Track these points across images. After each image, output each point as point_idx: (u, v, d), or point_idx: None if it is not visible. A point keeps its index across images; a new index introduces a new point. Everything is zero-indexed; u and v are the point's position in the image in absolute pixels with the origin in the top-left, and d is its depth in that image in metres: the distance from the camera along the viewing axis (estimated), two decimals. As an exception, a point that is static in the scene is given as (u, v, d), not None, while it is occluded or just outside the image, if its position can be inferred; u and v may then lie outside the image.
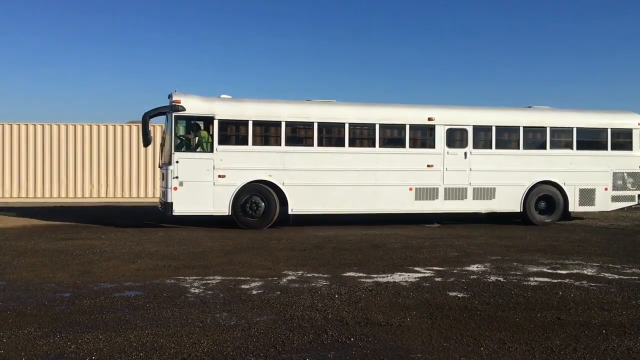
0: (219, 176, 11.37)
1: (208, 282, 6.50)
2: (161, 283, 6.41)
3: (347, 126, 12.07)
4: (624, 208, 14.20)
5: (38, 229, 11.47)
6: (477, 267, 7.62)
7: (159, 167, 12.34)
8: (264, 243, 9.70)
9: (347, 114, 12.20)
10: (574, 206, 13.19)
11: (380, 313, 5.24)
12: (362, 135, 12.67)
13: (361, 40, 44.27)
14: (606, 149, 13.35)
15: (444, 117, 12.61)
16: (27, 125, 19.05)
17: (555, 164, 13.07)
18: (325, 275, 6.94)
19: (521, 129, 12.95)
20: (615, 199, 13.39)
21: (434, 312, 5.29)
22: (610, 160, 13.34)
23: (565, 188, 13.05)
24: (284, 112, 11.90)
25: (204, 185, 11.31)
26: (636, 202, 13.62)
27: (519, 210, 12.96)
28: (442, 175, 12.52)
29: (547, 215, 13.10)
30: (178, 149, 11.31)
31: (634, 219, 14.56)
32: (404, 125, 12.41)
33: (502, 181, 12.78)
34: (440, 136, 12.54)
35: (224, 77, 43.48)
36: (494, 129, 12.80)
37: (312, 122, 11.95)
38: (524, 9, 42.35)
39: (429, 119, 12.52)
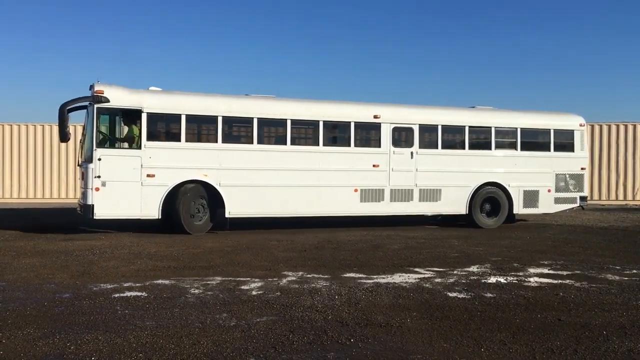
0: (148, 175, 10.41)
1: (208, 282, 6.49)
2: (161, 284, 6.40)
3: (288, 123, 11.38)
4: (627, 209, 14.21)
5: (37, 229, 11.44)
6: (478, 268, 7.61)
7: (78, 165, 11.25)
8: (264, 243, 9.70)
9: (289, 110, 11.50)
10: (519, 208, 12.96)
11: (380, 314, 5.23)
12: (304, 133, 12.08)
13: (310, 37, 43.47)
14: (549, 150, 13.20)
15: (390, 116, 12.15)
16: (27, 125, 19.08)
17: (500, 165, 12.84)
18: (325, 276, 6.93)
19: (466, 129, 12.65)
20: (558, 200, 13.23)
21: (435, 313, 5.28)
22: (553, 162, 13.18)
23: (509, 189, 12.80)
24: (221, 106, 11.06)
25: (130, 186, 10.32)
26: (578, 204, 13.45)
27: (464, 213, 12.63)
28: (388, 175, 12.04)
29: (492, 217, 12.84)
30: (100, 145, 10.26)
31: (634, 219, 14.55)
32: (349, 123, 11.84)
33: (448, 182, 12.43)
34: (386, 135, 12.06)
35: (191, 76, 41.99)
36: (439, 128, 12.45)
37: (252, 118, 11.15)
38: (465, 10, 42.08)
39: (375, 117, 11.99)
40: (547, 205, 13.16)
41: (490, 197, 12.79)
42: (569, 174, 13.28)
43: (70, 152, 18.80)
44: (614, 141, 19.89)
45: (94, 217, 10.18)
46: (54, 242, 9.68)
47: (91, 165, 10.13)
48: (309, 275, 6.96)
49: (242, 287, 6.25)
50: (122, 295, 5.85)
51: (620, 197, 19.86)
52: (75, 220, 12.13)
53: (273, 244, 9.72)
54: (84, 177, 10.37)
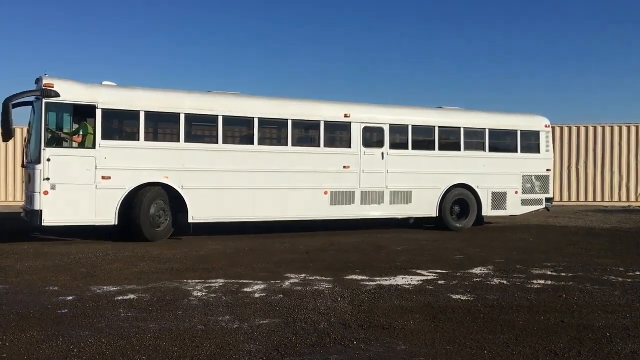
0: (103, 178, 9.56)
1: (211, 285, 6.49)
2: (164, 286, 6.40)
3: (256, 122, 10.76)
4: (627, 213, 14.15)
5: (40, 231, 11.46)
6: (481, 270, 7.60)
7: (23, 166, 10.35)
8: (267, 246, 9.70)
9: (256, 108, 10.90)
10: (487, 210, 12.79)
11: (383, 316, 5.23)
12: (273, 133, 11.61)
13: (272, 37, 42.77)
14: (516, 151, 13.10)
15: (361, 115, 11.73)
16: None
17: (469, 166, 12.61)
18: (328, 279, 6.93)
19: (436, 130, 12.35)
20: (524, 202, 13.10)
21: (438, 316, 5.28)
22: (520, 163, 13.06)
23: (478, 191, 12.61)
24: (184, 103, 10.31)
25: (83, 189, 9.44)
26: (543, 206, 13.36)
27: (435, 215, 12.33)
28: (359, 177, 11.59)
29: (462, 219, 12.60)
30: (50, 144, 9.32)
31: (638, 221, 14.52)
32: (318, 122, 11.32)
33: (419, 184, 12.11)
34: (356, 135, 11.62)
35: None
36: (410, 128, 12.13)
37: (217, 116, 10.46)
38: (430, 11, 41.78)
39: (345, 116, 11.55)
40: (514, 207, 13.03)
41: (459, 200, 12.56)
42: (535, 175, 13.17)
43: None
44: (617, 143, 19.87)
45: (42, 224, 9.27)
46: (56, 244, 9.69)
47: (39, 167, 9.22)
48: (311, 278, 6.97)
49: (245, 290, 6.26)
50: (125, 297, 5.86)
51: (624, 198, 19.83)
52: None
53: (276, 246, 9.73)
54: (31, 179, 9.43)
